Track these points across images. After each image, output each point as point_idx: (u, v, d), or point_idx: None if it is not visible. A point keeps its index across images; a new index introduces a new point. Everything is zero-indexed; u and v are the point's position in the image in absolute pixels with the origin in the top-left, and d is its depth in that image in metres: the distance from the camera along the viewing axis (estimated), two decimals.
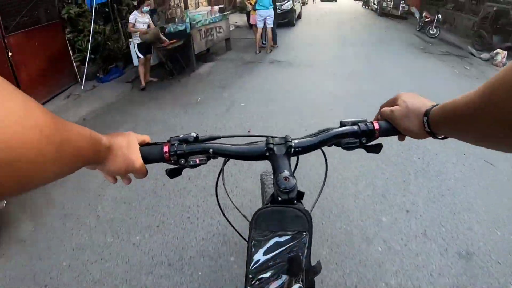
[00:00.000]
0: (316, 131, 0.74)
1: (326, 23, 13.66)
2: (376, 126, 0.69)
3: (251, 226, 0.66)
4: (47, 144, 0.33)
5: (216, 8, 8.11)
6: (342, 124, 0.72)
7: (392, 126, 0.68)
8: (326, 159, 0.87)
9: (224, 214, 0.89)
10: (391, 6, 15.15)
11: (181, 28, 6.81)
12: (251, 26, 8.95)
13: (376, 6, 17.15)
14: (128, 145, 0.61)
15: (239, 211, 0.96)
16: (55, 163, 0.35)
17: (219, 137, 0.74)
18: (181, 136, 0.70)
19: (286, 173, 0.65)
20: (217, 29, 7.91)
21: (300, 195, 0.68)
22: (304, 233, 0.64)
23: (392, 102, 0.69)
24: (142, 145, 0.67)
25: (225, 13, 8.40)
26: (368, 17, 16.17)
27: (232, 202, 0.94)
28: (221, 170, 0.89)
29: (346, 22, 13.85)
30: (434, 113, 0.56)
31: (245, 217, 0.92)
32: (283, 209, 0.65)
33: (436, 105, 0.58)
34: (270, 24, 8.05)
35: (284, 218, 0.64)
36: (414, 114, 0.61)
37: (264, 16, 7.91)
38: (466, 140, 0.49)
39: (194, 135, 0.70)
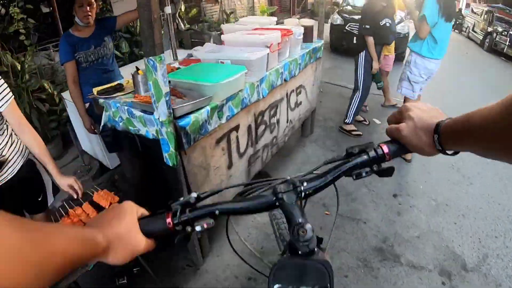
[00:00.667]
0: (321, 164, 0.72)
1: None
2: (386, 149, 0.66)
3: (270, 279, 0.62)
4: (24, 267, 0.30)
5: (297, 32, 2.33)
6: (349, 152, 0.69)
7: (401, 146, 0.65)
8: (337, 194, 0.81)
9: (244, 260, 0.85)
10: (507, 43, 10.64)
11: (135, 128, 1.30)
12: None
13: (481, 37, 12.51)
14: (128, 231, 0.55)
15: (259, 257, 0.85)
16: (40, 280, 0.33)
17: (221, 190, 0.71)
18: (182, 199, 0.66)
19: (302, 224, 0.61)
20: (294, 96, 2.35)
21: (319, 240, 0.65)
22: None
23: (399, 116, 0.66)
24: (142, 217, 0.61)
25: (316, 44, 2.77)
26: (475, 54, 10.78)
27: (249, 248, 0.85)
28: (227, 221, 0.84)
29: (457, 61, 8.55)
30: (445, 129, 0.55)
31: (264, 265, 0.83)
32: (302, 262, 0.62)
33: (444, 120, 0.56)
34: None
35: (304, 271, 0.61)
36: (423, 132, 0.59)
37: (434, 72, 2.90)
38: (482, 154, 0.49)
39: (195, 195, 0.66)
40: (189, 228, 0.64)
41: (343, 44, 6.60)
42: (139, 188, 1.90)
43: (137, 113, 1.49)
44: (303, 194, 0.66)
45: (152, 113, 1.42)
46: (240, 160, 1.90)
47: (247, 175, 2.06)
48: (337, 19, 6.83)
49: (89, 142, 2.74)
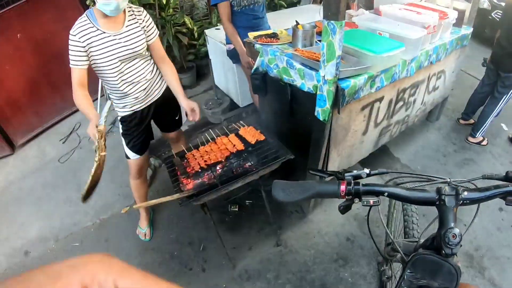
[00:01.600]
0: (479, 177, 0.77)
1: None
2: None
3: (407, 266, 0.71)
4: None
5: (452, 17, 2.09)
6: (509, 176, 0.71)
7: None
8: (478, 208, 0.79)
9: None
10: None
11: (290, 78, 1.42)
12: None
13: None
14: None
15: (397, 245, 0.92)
16: None
17: (387, 172, 0.79)
18: (355, 172, 0.73)
19: (455, 229, 0.65)
20: (434, 80, 2.26)
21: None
22: None
23: None
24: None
25: (465, 31, 2.43)
26: None
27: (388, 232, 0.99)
28: (368, 215, 0.94)
29: None
30: None
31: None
32: (440, 262, 0.67)
33: None
34: None
35: (437, 270, 0.67)
36: None
37: None
38: None
39: (367, 171, 0.73)
40: (356, 200, 0.70)
41: (485, 32, 5.74)
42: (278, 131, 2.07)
43: (297, 65, 1.62)
44: (461, 201, 0.69)
45: (314, 69, 1.55)
46: (374, 129, 1.95)
47: (375, 145, 2.12)
48: (484, 2, 5.89)
49: (225, 78, 3.03)
